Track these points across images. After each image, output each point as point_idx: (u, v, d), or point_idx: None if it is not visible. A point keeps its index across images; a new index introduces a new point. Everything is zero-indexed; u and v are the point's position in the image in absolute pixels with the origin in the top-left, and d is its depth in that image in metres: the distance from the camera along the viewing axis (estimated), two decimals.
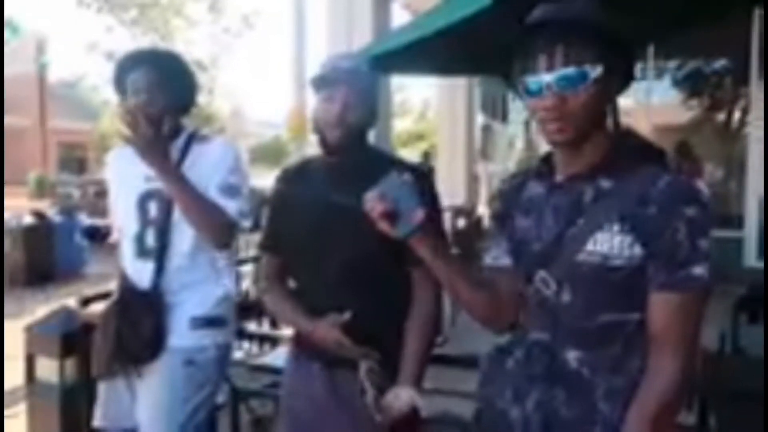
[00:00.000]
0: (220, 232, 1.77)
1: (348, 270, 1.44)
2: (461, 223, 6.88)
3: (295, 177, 1.61)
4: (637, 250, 1.01)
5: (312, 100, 1.51)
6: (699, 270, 0.99)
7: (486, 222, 7.63)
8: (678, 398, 1.02)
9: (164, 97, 1.79)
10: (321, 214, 1.47)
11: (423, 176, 1.48)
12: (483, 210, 8.39)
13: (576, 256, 1.05)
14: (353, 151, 1.47)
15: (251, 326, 2.92)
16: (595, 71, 1.02)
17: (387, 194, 1.09)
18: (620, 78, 1.06)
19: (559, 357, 1.08)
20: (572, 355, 1.07)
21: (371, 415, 1.38)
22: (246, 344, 2.95)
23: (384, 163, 1.44)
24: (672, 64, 7.83)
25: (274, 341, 2.34)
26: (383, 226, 1.09)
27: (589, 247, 1.03)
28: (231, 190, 1.77)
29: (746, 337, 2.94)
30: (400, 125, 23.96)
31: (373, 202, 1.09)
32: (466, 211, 7.45)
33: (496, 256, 1.21)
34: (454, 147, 9.07)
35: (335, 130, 1.43)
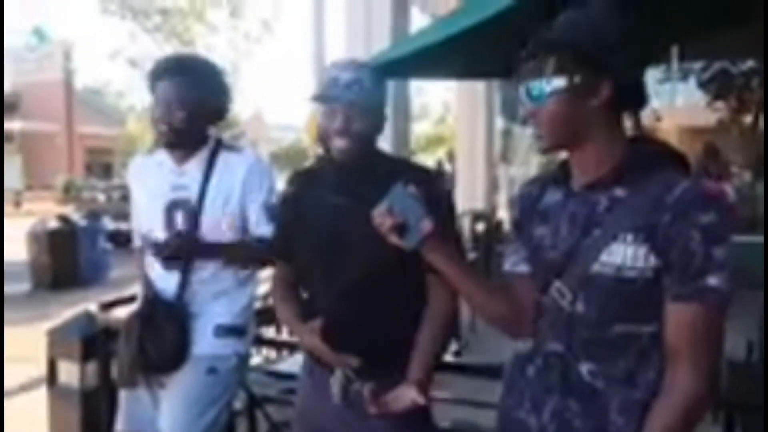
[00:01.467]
0: (267, 257, 1.78)
1: (360, 277, 1.43)
2: (481, 227, 6.83)
3: (306, 181, 1.60)
4: (652, 260, 0.99)
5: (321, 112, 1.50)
6: (714, 280, 0.96)
7: (506, 226, 7.57)
8: (697, 413, 0.99)
9: (191, 109, 1.75)
10: (332, 220, 1.46)
11: (434, 181, 1.47)
12: (503, 214, 8.33)
13: (590, 267, 1.03)
14: (361, 159, 1.46)
15: (269, 332, 2.93)
16: (552, 85, 1.04)
17: (394, 207, 1.10)
18: (599, 90, 1.03)
19: (573, 368, 1.07)
20: (585, 368, 1.06)
21: (383, 426, 1.36)
22: (264, 350, 2.95)
23: (394, 167, 1.44)
24: (698, 65, 7.69)
25: (291, 347, 2.33)
26: (393, 239, 1.11)
27: (604, 258, 1.02)
28: (273, 211, 1.78)
29: None
30: (420, 128, 23.93)
31: (381, 217, 1.11)
32: (486, 216, 7.40)
33: (514, 263, 1.21)
34: (473, 151, 9.02)
35: (339, 141, 1.43)
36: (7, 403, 3.53)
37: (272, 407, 2.35)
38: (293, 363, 2.49)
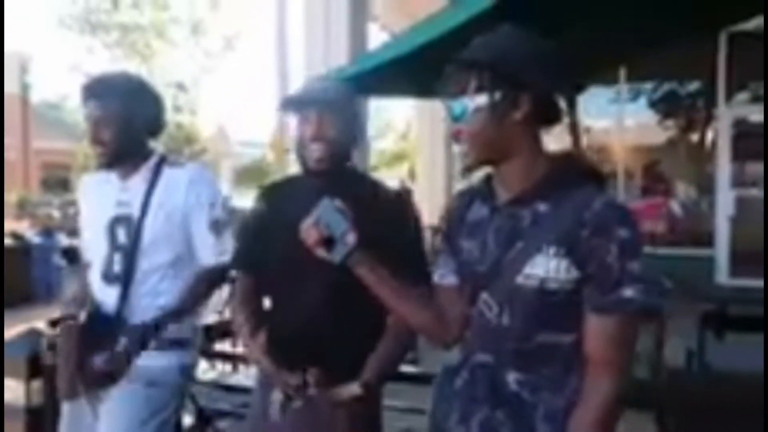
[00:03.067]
0: (221, 282, 1.86)
1: (327, 291, 1.44)
2: (439, 242, 6.91)
3: (277, 196, 1.61)
4: (573, 272, 1.04)
5: (294, 122, 1.52)
6: (629, 292, 1.02)
7: None
8: (612, 416, 1.06)
9: (118, 126, 1.77)
10: (298, 236, 1.49)
11: (401, 199, 1.53)
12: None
13: (515, 279, 1.08)
14: (334, 171, 1.47)
15: (225, 346, 2.92)
16: (475, 102, 1.08)
17: (321, 221, 1.14)
18: (519, 106, 1.08)
19: (500, 379, 1.11)
20: (512, 377, 1.11)
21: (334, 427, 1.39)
22: (219, 365, 2.95)
23: (364, 184, 1.48)
24: (648, 86, 8.00)
25: (245, 361, 2.35)
26: (320, 252, 1.14)
27: (527, 270, 1.06)
28: (218, 225, 1.81)
29: (713, 353, 3.00)
30: (383, 145, 24.10)
31: (308, 230, 1.14)
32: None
33: (442, 275, 1.25)
34: (433, 168, 9.15)
35: (313, 147, 1.44)
36: None
37: (226, 422, 2.35)
38: (247, 376, 2.49)
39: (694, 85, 8.00)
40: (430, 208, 9.00)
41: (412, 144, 17.48)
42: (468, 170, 1.15)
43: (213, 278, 1.84)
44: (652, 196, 7.62)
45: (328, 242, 1.14)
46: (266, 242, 1.55)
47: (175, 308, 1.78)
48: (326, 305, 1.45)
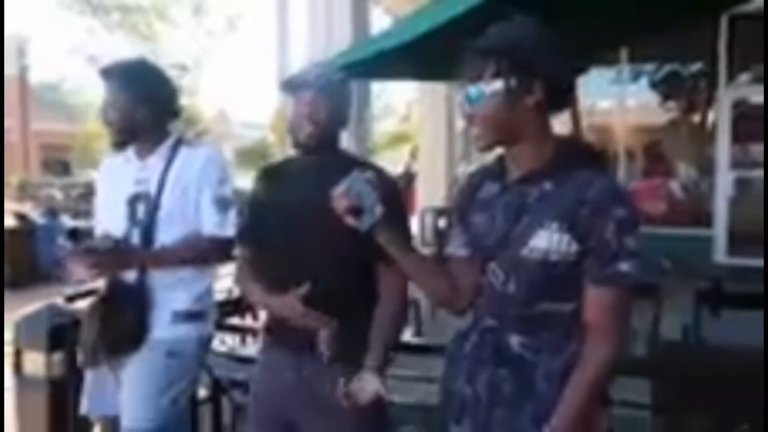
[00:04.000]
0: (222, 255, 1.91)
1: (320, 265, 1.53)
2: (442, 222, 7.00)
3: (273, 176, 1.71)
4: (573, 247, 1.13)
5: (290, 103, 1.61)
6: (625, 266, 1.11)
7: None
8: (605, 378, 1.17)
9: (126, 109, 1.88)
10: (295, 211, 1.56)
11: (387, 179, 1.58)
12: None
13: (520, 251, 1.17)
14: (325, 151, 1.58)
15: (234, 320, 3.01)
16: (491, 87, 1.15)
17: (351, 191, 1.20)
18: (533, 91, 1.16)
19: (504, 341, 1.21)
20: (515, 340, 1.20)
21: (337, 400, 1.46)
22: (229, 338, 3.04)
23: (354, 164, 1.55)
24: (649, 67, 8.01)
25: (255, 333, 2.44)
26: (348, 219, 1.21)
27: (532, 243, 1.16)
28: (224, 202, 1.89)
29: (708, 329, 3.09)
30: (384, 127, 24.05)
31: (339, 198, 1.20)
32: (448, 212, 7.57)
33: (456, 246, 1.34)
34: (435, 150, 9.19)
35: (306, 128, 1.55)
36: None
37: (237, 391, 2.44)
38: (257, 348, 2.58)
39: (695, 66, 8.00)
40: (432, 189, 9.09)
41: (413, 126, 17.50)
42: (481, 151, 1.23)
43: (212, 247, 1.89)
44: (653, 176, 7.68)
45: (357, 211, 1.20)
46: (265, 219, 1.64)
47: (164, 249, 1.87)
48: (324, 280, 1.52)
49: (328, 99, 1.56)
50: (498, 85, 1.14)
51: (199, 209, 1.90)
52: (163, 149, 1.93)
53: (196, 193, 1.89)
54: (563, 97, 1.22)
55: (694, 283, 3.46)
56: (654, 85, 8.21)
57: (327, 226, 1.33)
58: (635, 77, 7.99)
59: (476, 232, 1.28)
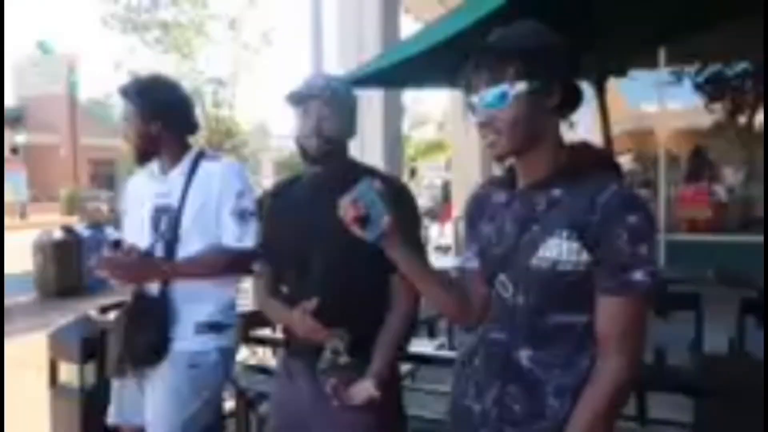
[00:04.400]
0: (242, 267, 1.90)
1: (330, 275, 1.52)
2: None
3: (283, 189, 1.72)
4: (584, 256, 1.07)
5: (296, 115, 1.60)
6: (639, 275, 1.05)
7: None
8: (622, 395, 1.09)
9: (154, 126, 1.93)
10: (304, 222, 1.56)
11: (398, 187, 1.57)
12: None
13: (529, 260, 1.12)
14: (332, 162, 1.57)
15: (266, 332, 3.02)
16: (515, 89, 1.09)
17: (359, 200, 1.17)
18: (553, 93, 1.11)
19: (513, 356, 1.15)
20: (525, 354, 1.14)
21: (353, 414, 1.45)
22: (260, 350, 3.05)
23: (361, 173, 1.53)
24: (691, 68, 7.75)
25: (279, 345, 2.44)
26: (355, 230, 1.17)
27: (541, 252, 1.10)
28: (243, 215, 1.90)
29: (753, 341, 2.93)
30: (420, 135, 24.05)
31: (346, 207, 1.17)
32: None
33: (467, 258, 1.29)
34: (469, 158, 9.11)
35: (312, 141, 1.54)
36: (14, 407, 3.63)
37: (264, 404, 2.44)
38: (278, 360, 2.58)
39: (740, 66, 7.70)
40: (466, 198, 9.00)
41: (449, 133, 17.44)
42: (498, 159, 1.17)
43: (232, 259, 1.89)
44: (698, 181, 7.41)
45: (364, 221, 1.17)
46: (277, 234, 1.65)
47: (186, 260, 1.89)
48: (336, 291, 1.52)
49: (335, 110, 1.55)
50: (522, 86, 1.09)
51: (219, 222, 1.91)
52: (184, 163, 1.96)
53: (217, 205, 1.90)
54: (576, 99, 1.17)
55: (739, 293, 3.29)
56: (697, 87, 7.95)
57: (338, 237, 1.31)
58: (677, 79, 7.75)
59: (485, 242, 1.23)
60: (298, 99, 1.57)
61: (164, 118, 1.93)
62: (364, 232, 1.17)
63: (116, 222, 10.58)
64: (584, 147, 1.20)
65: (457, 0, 3.99)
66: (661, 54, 6.93)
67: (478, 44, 1.15)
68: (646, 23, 3.47)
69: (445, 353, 2.35)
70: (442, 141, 23.55)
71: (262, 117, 20.55)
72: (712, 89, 7.95)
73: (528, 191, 1.17)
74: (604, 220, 1.06)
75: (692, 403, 2.21)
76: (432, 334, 3.66)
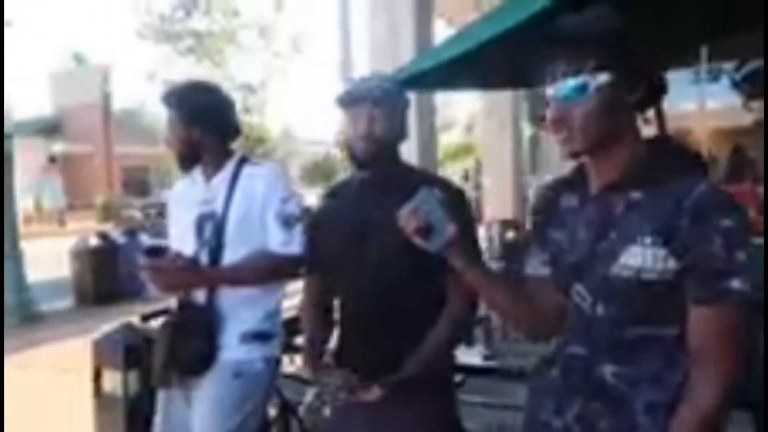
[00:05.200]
0: (289, 273, 1.90)
1: (381, 281, 1.49)
2: (511, 235, 6.81)
3: (334, 194, 1.69)
4: (671, 263, 0.99)
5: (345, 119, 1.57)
6: (737, 283, 0.97)
7: None
8: (720, 413, 1.01)
9: (196, 132, 1.92)
10: (355, 227, 1.53)
11: (455, 192, 1.52)
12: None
13: (609, 269, 1.04)
14: (383, 165, 1.53)
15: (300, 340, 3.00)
16: (597, 81, 1.01)
17: (420, 209, 1.12)
18: (637, 86, 1.04)
19: (595, 371, 1.08)
20: (608, 370, 1.07)
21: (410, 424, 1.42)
22: (299, 359, 3.02)
23: (415, 177, 1.49)
24: (729, 65, 7.54)
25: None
26: (417, 241, 1.13)
27: (622, 260, 1.02)
28: (288, 220, 1.88)
29: None
30: (447, 139, 23.95)
31: (407, 218, 1.13)
32: (515, 224, 7.37)
33: (535, 266, 1.22)
34: (501, 160, 9.00)
35: (363, 144, 1.50)
36: (54, 412, 3.68)
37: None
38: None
39: None
40: (500, 201, 8.89)
41: (477, 137, 17.31)
42: (570, 158, 1.10)
43: (278, 265, 1.88)
44: (739, 182, 7.18)
45: (426, 231, 1.12)
46: (324, 238, 1.63)
47: (232, 267, 1.87)
48: (382, 298, 1.49)
49: (386, 112, 1.51)
50: (604, 78, 1.01)
51: (265, 228, 1.89)
52: (227, 169, 1.94)
53: (261, 211, 1.88)
54: (657, 95, 1.09)
55: None
56: (735, 85, 7.72)
57: (391, 243, 1.27)
58: (715, 77, 7.53)
59: (556, 250, 1.16)
60: (348, 101, 1.54)
61: (205, 122, 1.92)
62: (427, 243, 1.12)
63: (151, 229, 10.76)
64: (665, 142, 1.11)
65: (490, 4, 3.94)
66: (703, 52, 6.74)
67: (552, 32, 1.07)
68: (687, 23, 3.36)
69: (491, 363, 2.29)
70: (469, 144, 23.42)
71: (288, 122, 20.68)
72: (749, 87, 7.71)
73: (603, 194, 1.09)
74: (693, 224, 0.97)
75: (750, 417, 2.11)
76: (469, 342, 3.59)
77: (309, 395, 1.53)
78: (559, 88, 1.04)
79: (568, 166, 1.20)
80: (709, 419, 0.99)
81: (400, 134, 1.57)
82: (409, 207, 1.13)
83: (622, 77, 1.02)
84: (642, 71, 1.04)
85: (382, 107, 1.51)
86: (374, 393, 1.43)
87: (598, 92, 1.02)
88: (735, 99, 7.69)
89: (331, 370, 1.52)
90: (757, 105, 7.91)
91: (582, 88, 1.02)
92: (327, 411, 1.48)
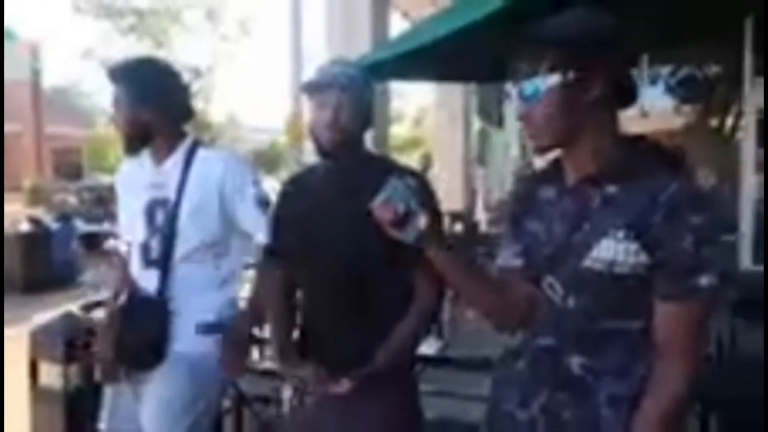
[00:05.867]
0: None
1: (350, 272, 1.46)
2: (459, 227, 6.91)
3: (297, 184, 1.65)
4: (643, 257, 1.01)
5: (311, 105, 1.54)
6: (705, 280, 1.00)
7: (483, 227, 7.67)
8: (682, 406, 1.05)
9: (146, 111, 1.79)
10: (320, 217, 1.50)
11: (422, 181, 1.51)
12: (480, 215, 8.42)
13: (581, 262, 1.06)
14: (349, 155, 1.50)
15: (257, 331, 2.94)
16: (547, 82, 1.05)
17: (391, 200, 1.11)
18: (592, 86, 1.05)
19: (563, 362, 1.10)
20: (576, 361, 1.09)
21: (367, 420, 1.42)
22: (254, 350, 2.96)
23: (380, 166, 1.47)
24: (665, 70, 7.90)
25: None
26: (393, 233, 1.11)
27: (594, 253, 1.04)
28: (264, 203, 1.80)
29: (744, 342, 2.96)
30: (396, 131, 24.05)
31: (381, 209, 1.11)
32: (464, 217, 7.49)
33: (507, 257, 1.23)
34: (452, 152, 9.11)
35: (329, 133, 1.47)
36: None
37: (261, 405, 2.37)
38: None
39: (713, 70, 7.88)
40: (448, 194, 8.99)
41: (425, 130, 17.45)
42: (538, 153, 1.13)
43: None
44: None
45: (400, 222, 1.10)
46: (288, 229, 1.58)
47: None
48: (348, 290, 1.46)
49: (352, 100, 1.48)
50: (555, 79, 1.04)
51: (238, 219, 1.81)
52: (180, 153, 1.83)
53: (220, 199, 1.79)
54: (627, 92, 1.11)
55: (723, 292, 3.32)
56: (669, 89, 8.09)
57: (356, 233, 1.25)
58: (652, 81, 7.87)
59: (531, 241, 1.17)
60: (314, 88, 1.49)
61: (156, 102, 1.79)
62: (403, 233, 1.11)
63: (85, 214, 10.27)
64: (642, 140, 1.13)
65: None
66: (644, 58, 7.03)
67: (519, 34, 1.10)
68: (634, 36, 3.50)
69: (448, 353, 2.31)
70: (418, 137, 23.59)
71: (233, 108, 20.21)
72: (683, 91, 8.11)
73: (579, 187, 1.10)
74: (666, 220, 1.00)
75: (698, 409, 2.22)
76: (439, 333, 3.62)
77: (287, 391, 1.49)
78: (520, 88, 1.08)
79: (511, 161, 1.23)
80: (672, 413, 1.02)
81: (366, 123, 1.54)
82: (380, 198, 1.12)
83: (574, 78, 1.04)
84: (597, 72, 1.05)
85: (348, 94, 1.47)
86: (344, 386, 1.40)
87: (549, 93, 1.05)
88: (669, 103, 8.05)
89: (302, 364, 1.48)
90: (688, 109, 8.33)
91: (536, 90, 1.06)
92: (309, 399, 1.46)
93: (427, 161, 9.88)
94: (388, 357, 1.44)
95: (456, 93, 8.86)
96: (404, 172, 1.45)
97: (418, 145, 21.91)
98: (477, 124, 9.96)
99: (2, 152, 6.59)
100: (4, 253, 6.45)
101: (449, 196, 8.73)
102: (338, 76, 1.49)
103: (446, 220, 7.49)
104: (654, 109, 7.98)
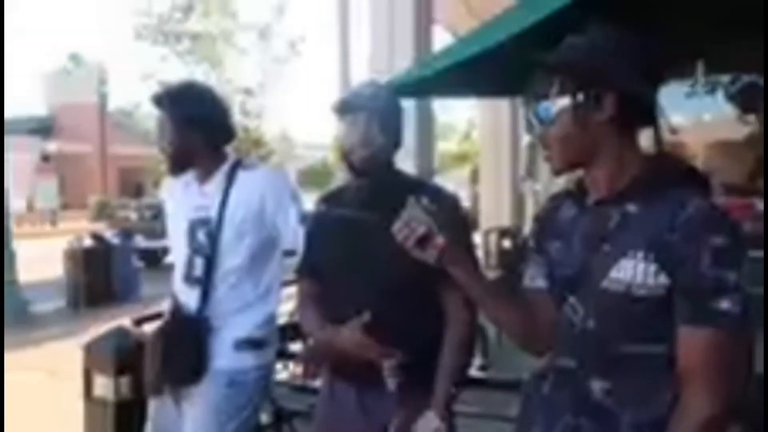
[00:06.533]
0: None
1: (378, 291, 1.47)
2: (507, 243, 6.82)
3: (330, 201, 1.67)
4: (662, 279, 0.98)
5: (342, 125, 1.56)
6: (726, 304, 0.94)
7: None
8: None
9: (188, 135, 1.85)
10: (351, 236, 1.52)
11: (448, 199, 1.52)
12: (529, 230, 8.27)
13: (600, 283, 1.03)
14: (379, 173, 1.52)
15: (296, 347, 2.98)
16: (557, 106, 1.05)
17: (411, 221, 1.12)
18: (602, 106, 1.04)
19: (584, 386, 1.07)
20: (597, 386, 1.05)
21: None
22: (291, 365, 3.00)
23: (408, 185, 1.48)
24: (725, 78, 7.58)
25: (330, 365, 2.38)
26: (416, 253, 1.12)
27: (613, 274, 1.01)
28: (305, 219, 1.84)
29: None
30: (444, 147, 23.99)
31: (402, 231, 1.12)
32: (512, 232, 7.38)
33: (532, 278, 1.21)
34: (498, 168, 9.01)
35: (360, 152, 1.50)
36: (44, 415, 3.64)
37: (299, 421, 2.39)
38: (320, 378, 2.52)
39: None
40: (495, 210, 8.89)
41: (474, 145, 17.34)
42: (555, 175, 1.13)
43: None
44: (735, 195, 7.19)
45: (424, 242, 1.12)
46: (321, 246, 1.61)
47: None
48: (385, 307, 1.46)
49: (381, 120, 1.51)
50: (565, 102, 1.05)
51: (280, 234, 1.85)
52: (221, 174, 1.89)
53: (259, 218, 1.84)
54: (642, 111, 1.08)
55: None
56: (731, 98, 7.77)
57: (386, 251, 1.26)
58: (711, 90, 7.57)
59: (553, 261, 1.15)
60: (345, 108, 1.53)
61: (198, 126, 1.85)
62: (425, 254, 1.11)
63: (145, 230, 10.69)
64: (663, 157, 1.10)
65: (489, 12, 3.95)
66: (699, 66, 6.78)
67: (533, 57, 1.11)
68: (688, 34, 3.38)
69: (486, 375, 2.27)
70: (466, 152, 23.46)
71: (286, 126, 20.67)
72: (745, 100, 7.76)
73: (599, 206, 1.08)
74: (684, 240, 0.96)
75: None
76: (484, 352, 3.57)
77: (388, 362, 1.47)
78: (535, 111, 1.09)
79: (563, 175, 1.21)
80: None
81: (397, 142, 1.57)
82: (400, 222, 1.13)
83: (584, 100, 1.04)
84: (608, 92, 1.04)
85: (377, 115, 1.50)
86: (436, 424, 1.41)
87: (560, 116, 1.06)
88: (730, 112, 7.73)
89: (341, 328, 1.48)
90: (752, 118, 7.95)
91: (547, 113, 1.07)
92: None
93: (476, 176, 9.82)
94: (446, 394, 1.45)
95: (502, 106, 8.77)
96: (430, 191, 1.47)
97: (466, 160, 21.80)
98: (525, 137, 9.84)
99: (2, 152, 6.92)
100: (4, 257, 6.72)
101: (497, 212, 8.63)
102: (366, 97, 1.52)
103: (494, 237, 7.43)
104: (714, 119, 7.68)
